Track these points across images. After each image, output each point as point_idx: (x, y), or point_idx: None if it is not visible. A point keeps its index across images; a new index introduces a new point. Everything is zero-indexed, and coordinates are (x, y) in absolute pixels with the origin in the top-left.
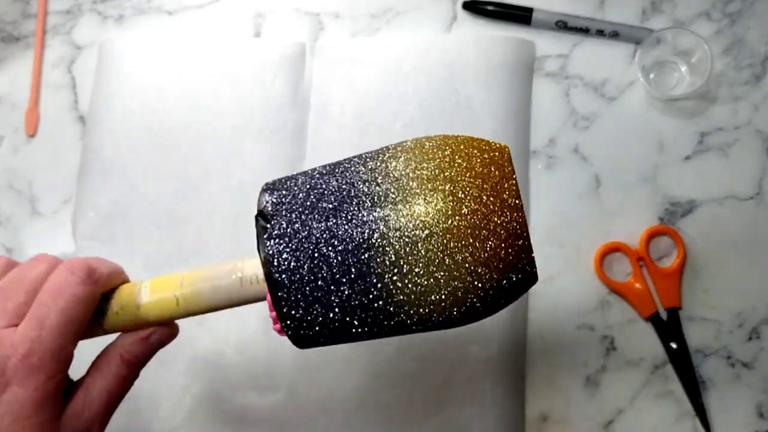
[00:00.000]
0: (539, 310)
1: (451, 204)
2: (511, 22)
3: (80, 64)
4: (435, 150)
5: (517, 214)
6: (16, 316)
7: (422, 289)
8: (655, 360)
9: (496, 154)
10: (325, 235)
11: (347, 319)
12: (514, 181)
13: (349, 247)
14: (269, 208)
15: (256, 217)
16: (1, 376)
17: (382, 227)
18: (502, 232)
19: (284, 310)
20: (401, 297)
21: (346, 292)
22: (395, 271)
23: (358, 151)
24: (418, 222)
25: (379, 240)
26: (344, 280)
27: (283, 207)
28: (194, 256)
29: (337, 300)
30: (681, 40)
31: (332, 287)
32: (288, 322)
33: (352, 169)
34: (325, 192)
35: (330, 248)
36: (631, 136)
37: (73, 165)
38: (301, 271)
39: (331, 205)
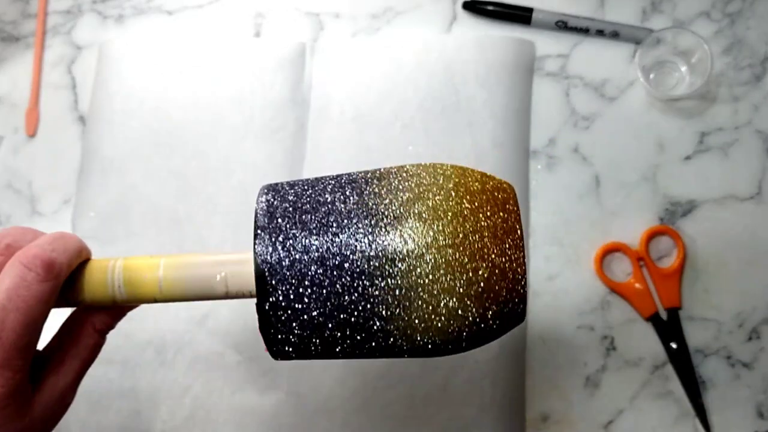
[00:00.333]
0: (539, 310)
1: (451, 237)
2: (511, 22)
3: (80, 64)
4: (442, 180)
5: (518, 254)
6: None
7: (410, 314)
8: (655, 360)
9: (503, 194)
10: (320, 250)
11: (328, 333)
12: (519, 224)
13: (344, 265)
14: (267, 211)
15: (255, 212)
16: None
17: (378, 251)
18: (498, 271)
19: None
20: (392, 323)
21: (335, 292)
22: (386, 295)
23: (358, 151)
24: (414, 251)
25: (372, 263)
26: (332, 297)
27: (279, 212)
28: None
29: (321, 315)
30: (681, 40)
31: (320, 303)
32: (267, 324)
33: (357, 188)
34: (324, 207)
35: (322, 264)
36: (631, 136)
37: (73, 165)
38: (291, 280)
39: (330, 222)
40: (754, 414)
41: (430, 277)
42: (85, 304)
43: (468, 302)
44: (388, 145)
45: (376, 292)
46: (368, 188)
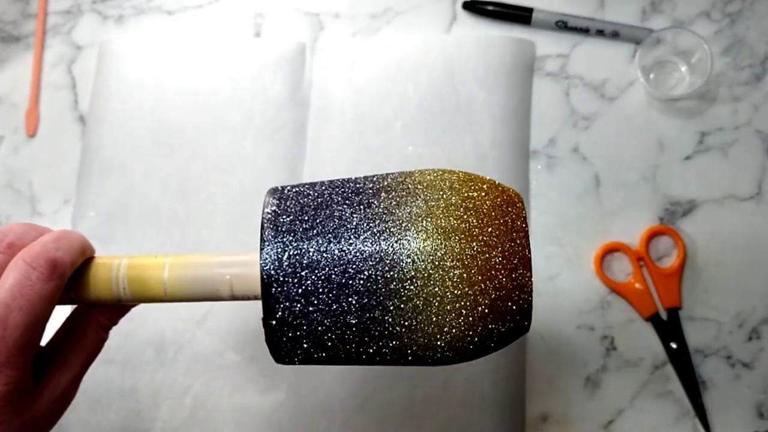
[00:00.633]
0: (539, 310)
1: (459, 257)
2: (511, 22)
3: (80, 64)
4: (450, 193)
5: (525, 273)
6: None
7: (416, 333)
8: (655, 360)
9: (513, 208)
10: (327, 267)
11: (333, 347)
12: (527, 241)
13: (351, 283)
14: (273, 223)
15: (262, 221)
16: None
17: (385, 272)
18: (504, 292)
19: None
20: (397, 340)
21: (341, 309)
22: (391, 314)
23: (358, 151)
24: (422, 271)
25: (380, 282)
26: (338, 315)
27: (286, 225)
28: None
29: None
30: (681, 40)
31: (326, 320)
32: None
33: (365, 200)
34: (331, 222)
35: (329, 282)
36: (631, 136)
37: (73, 165)
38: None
39: (338, 236)
40: (754, 414)
41: (438, 296)
42: (89, 302)
43: (474, 321)
44: (388, 145)
45: (382, 311)
46: (376, 201)
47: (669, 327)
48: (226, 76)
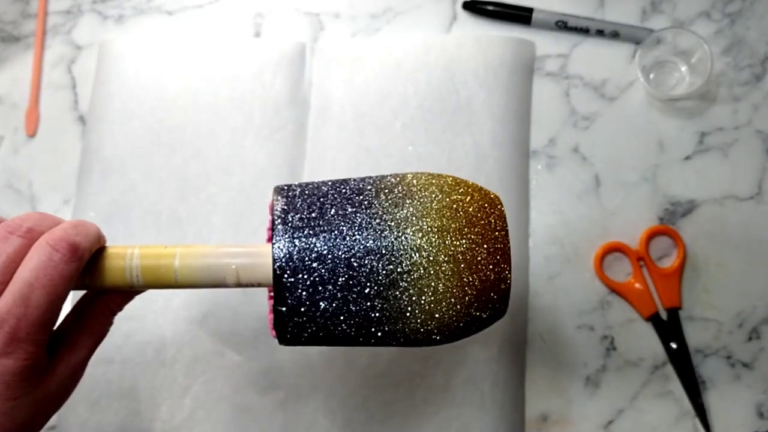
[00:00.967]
0: (539, 310)
1: (452, 252)
2: (511, 22)
3: (80, 64)
4: (442, 196)
5: (505, 266)
6: None
7: (413, 318)
8: (655, 360)
9: (496, 209)
10: (334, 260)
11: (337, 331)
12: (507, 238)
13: (355, 276)
14: (283, 220)
15: (272, 218)
16: None
17: (386, 267)
18: (488, 283)
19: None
20: (393, 325)
21: (344, 298)
22: (391, 302)
23: (358, 151)
24: (420, 264)
25: (381, 275)
26: (343, 303)
27: (294, 223)
28: None
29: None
30: (681, 40)
31: (331, 308)
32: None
33: (366, 201)
34: (336, 220)
35: (335, 274)
36: (631, 136)
37: (73, 165)
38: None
39: (343, 234)
40: (754, 414)
41: (431, 288)
42: (102, 288)
43: (461, 310)
44: (388, 145)
45: (381, 300)
46: (376, 201)
47: (669, 327)
48: (226, 76)
